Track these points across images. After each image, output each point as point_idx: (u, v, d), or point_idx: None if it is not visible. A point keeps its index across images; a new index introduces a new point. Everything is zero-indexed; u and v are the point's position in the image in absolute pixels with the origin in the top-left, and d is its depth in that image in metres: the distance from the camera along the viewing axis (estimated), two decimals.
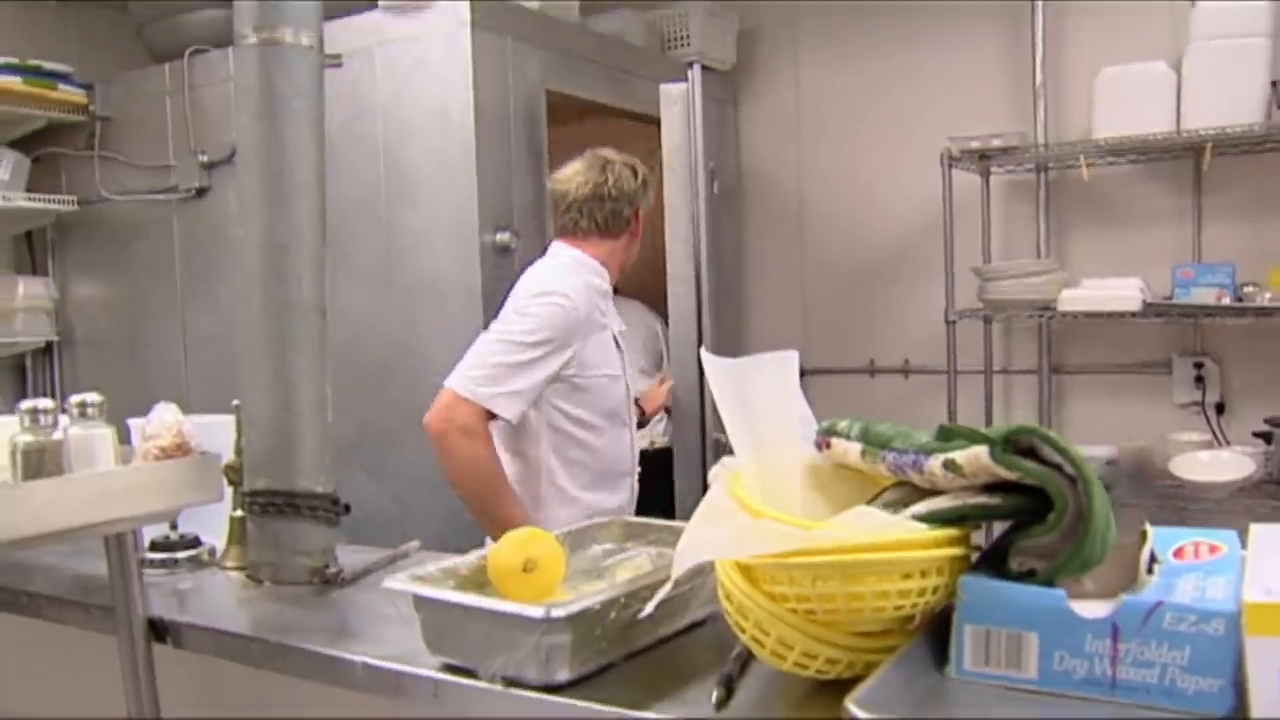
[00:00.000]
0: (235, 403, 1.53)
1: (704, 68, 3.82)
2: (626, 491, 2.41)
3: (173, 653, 1.35)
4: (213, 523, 1.59)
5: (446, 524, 2.72)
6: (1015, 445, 0.91)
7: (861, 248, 3.96)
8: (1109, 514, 0.92)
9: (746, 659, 1.07)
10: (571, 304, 2.22)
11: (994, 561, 0.97)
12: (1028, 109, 3.57)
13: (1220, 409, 3.40)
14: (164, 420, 1.30)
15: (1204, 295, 3.14)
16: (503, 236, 2.90)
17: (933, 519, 0.95)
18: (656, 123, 3.80)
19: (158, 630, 1.35)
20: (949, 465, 0.96)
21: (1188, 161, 3.34)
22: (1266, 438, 3.05)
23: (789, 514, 0.99)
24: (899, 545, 0.90)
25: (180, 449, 1.28)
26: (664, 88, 3.12)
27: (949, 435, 0.96)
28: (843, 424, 1.12)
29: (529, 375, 2.16)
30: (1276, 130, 3.03)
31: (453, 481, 2.18)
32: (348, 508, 1.51)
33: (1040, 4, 3.48)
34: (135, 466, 1.26)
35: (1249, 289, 3.12)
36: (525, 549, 1.14)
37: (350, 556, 1.55)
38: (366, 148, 3.04)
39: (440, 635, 1.10)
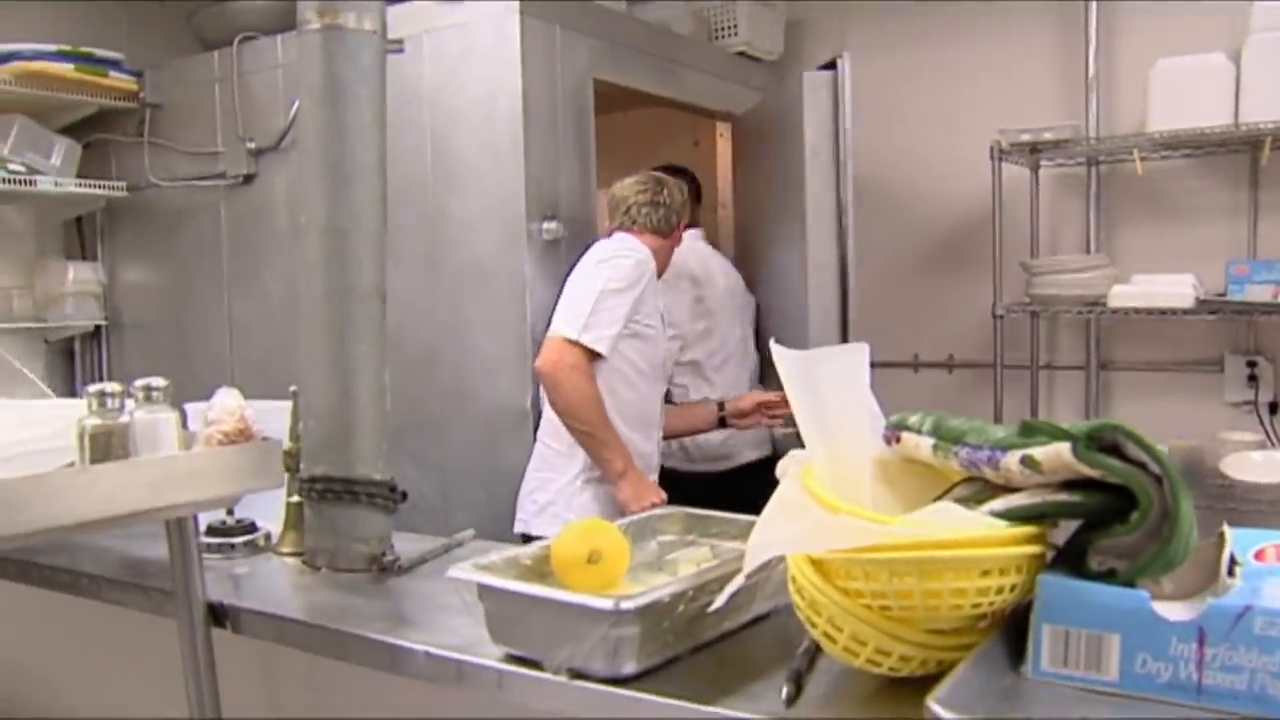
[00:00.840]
0: (293, 388, 1.52)
1: (749, 57, 3.82)
2: (654, 443, 2.75)
3: (231, 638, 1.35)
4: (269, 508, 1.59)
5: (488, 514, 2.72)
6: (1099, 442, 0.89)
7: (908, 240, 3.92)
8: (1193, 514, 0.90)
9: (814, 654, 1.05)
10: (645, 257, 2.64)
11: (1071, 560, 0.95)
12: (1079, 102, 3.52)
13: (1273, 409, 3.34)
14: (227, 405, 1.30)
15: (1259, 293, 3.08)
16: (550, 226, 2.89)
17: (1011, 516, 0.93)
18: (702, 112, 3.80)
19: (217, 615, 1.35)
20: (1027, 461, 0.94)
21: (1244, 156, 3.27)
22: None
23: (860, 507, 0.97)
24: (978, 542, 0.88)
25: (243, 434, 1.28)
26: (808, 75, 3.16)
27: (1030, 431, 0.94)
28: (914, 418, 1.10)
29: (616, 315, 2.53)
30: None
31: (561, 412, 2.53)
32: (404, 495, 1.50)
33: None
34: (199, 451, 1.26)
35: None
36: (589, 540, 1.13)
37: (404, 544, 1.54)
38: (414, 135, 3.03)
39: (505, 625, 1.10)
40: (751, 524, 1.28)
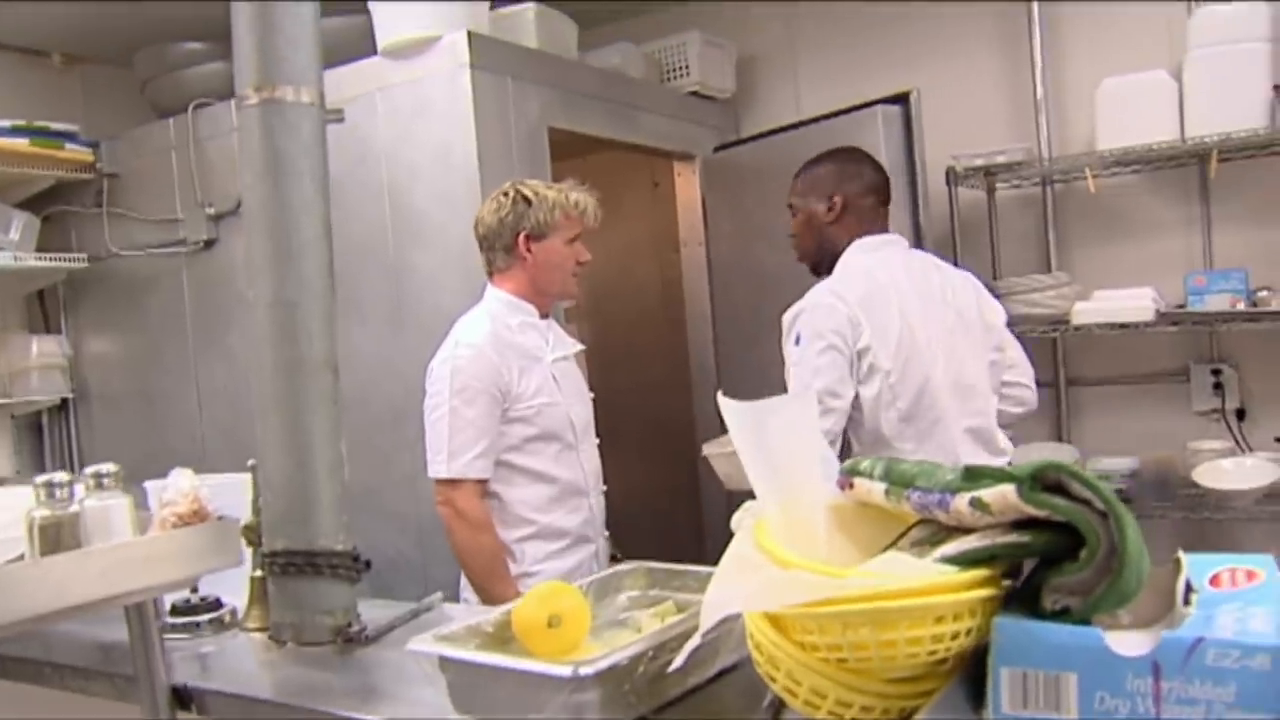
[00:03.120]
0: (251, 462, 1.52)
1: (702, 96, 3.87)
2: (586, 511, 2.48)
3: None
4: (233, 583, 1.58)
5: (454, 569, 2.70)
6: (1043, 482, 0.90)
7: None
8: (1142, 546, 0.90)
9: (779, 708, 1.05)
10: (473, 352, 2.34)
11: (1026, 600, 0.96)
12: (1029, 124, 3.57)
13: (1241, 415, 3.37)
14: (180, 487, 1.29)
15: (1218, 302, 3.13)
16: None
17: (963, 560, 0.93)
18: (660, 153, 3.84)
19: (182, 698, 1.33)
20: (976, 504, 0.94)
21: (1193, 169, 3.33)
22: None
23: (816, 558, 0.98)
24: (930, 590, 0.88)
25: (197, 515, 1.27)
26: (882, 109, 3.27)
27: (974, 475, 0.94)
28: (865, 463, 1.10)
29: (473, 429, 2.29)
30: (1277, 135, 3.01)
31: (459, 562, 2.37)
32: (368, 564, 1.49)
33: (1037, 19, 3.48)
34: (153, 536, 1.25)
35: (1263, 294, 3.10)
36: (549, 604, 1.13)
37: (372, 612, 1.53)
38: (371, 192, 3.05)
39: (468, 695, 1.09)
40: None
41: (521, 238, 2.42)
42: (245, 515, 1.53)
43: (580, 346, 2.63)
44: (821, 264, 2.48)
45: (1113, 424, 3.56)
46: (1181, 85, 3.14)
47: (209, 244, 3.42)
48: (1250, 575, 0.99)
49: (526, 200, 2.42)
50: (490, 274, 2.52)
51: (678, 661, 0.98)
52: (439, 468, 2.32)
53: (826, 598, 0.88)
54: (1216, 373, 3.39)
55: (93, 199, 3.65)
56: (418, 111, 2.98)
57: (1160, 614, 0.97)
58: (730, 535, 1.05)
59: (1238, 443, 3.31)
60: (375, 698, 1.27)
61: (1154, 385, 3.51)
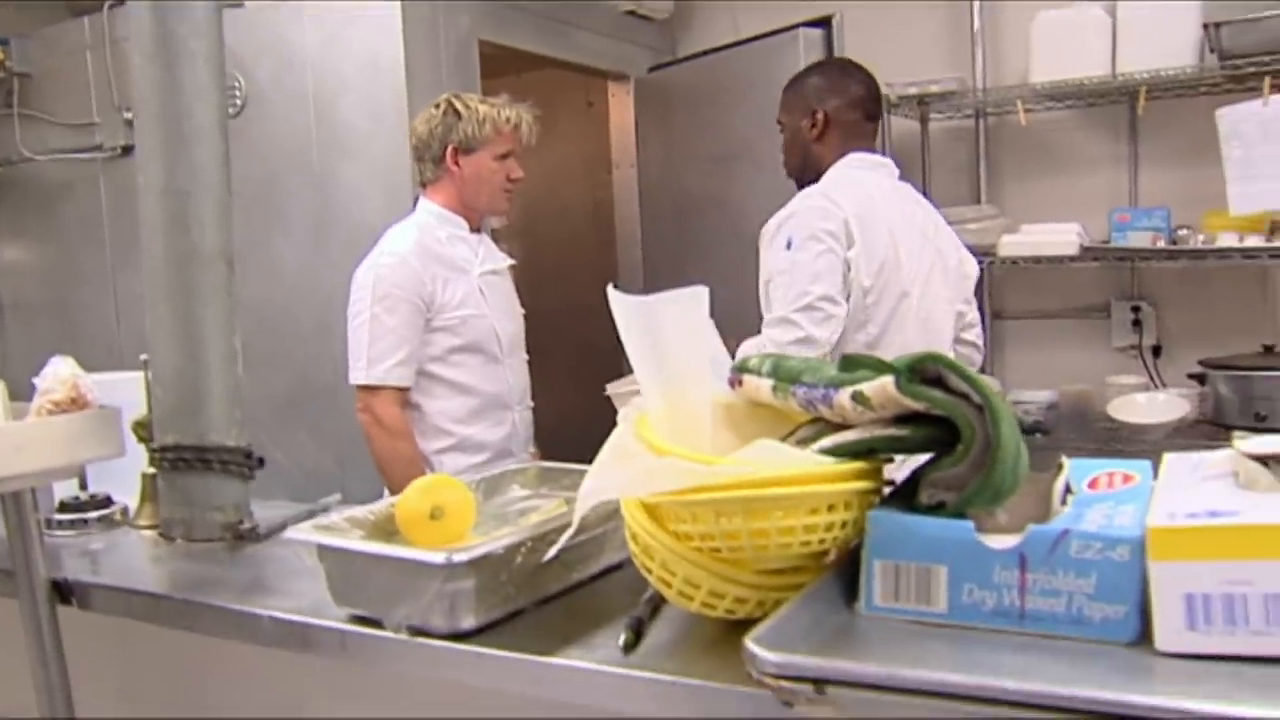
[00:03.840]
0: (143, 356, 1.48)
1: (639, 16, 3.80)
2: (509, 426, 2.47)
3: (84, 615, 1.31)
4: (126, 481, 1.54)
5: (375, 479, 2.68)
6: (921, 375, 0.89)
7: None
8: (1019, 443, 0.90)
9: (658, 603, 1.05)
10: (396, 260, 2.32)
11: (906, 496, 0.96)
12: (965, 56, 3.56)
13: (1156, 352, 3.44)
14: (58, 374, 1.25)
15: (1140, 239, 3.17)
16: None
17: (840, 452, 0.93)
18: (594, 73, 3.78)
19: (63, 592, 1.31)
20: (857, 397, 0.94)
21: (1123, 107, 3.35)
22: (1200, 379, 3.08)
23: (699, 453, 0.97)
24: (802, 479, 0.88)
25: (75, 403, 1.23)
26: (803, 33, 3.21)
27: (853, 366, 0.94)
28: (753, 360, 1.10)
29: (393, 336, 2.29)
30: (1209, 73, 3.03)
31: (378, 469, 2.36)
32: (261, 461, 1.46)
33: None
34: (27, 422, 1.21)
35: (1183, 232, 3.14)
36: (432, 496, 1.11)
37: (269, 512, 1.51)
38: (296, 100, 2.97)
39: (346, 586, 1.08)
40: None
41: (450, 150, 2.40)
42: (140, 411, 1.49)
43: (510, 261, 2.61)
44: (804, 183, 2.41)
45: (1036, 358, 3.61)
46: (1115, 21, 3.14)
47: (126, 150, 3.31)
48: (1127, 478, 1.01)
49: (457, 113, 2.40)
50: (422, 185, 2.51)
51: (551, 552, 0.97)
52: (358, 374, 2.31)
53: (699, 485, 0.87)
54: (1136, 309, 3.44)
55: (3, 99, 3.51)
56: (347, 20, 2.91)
57: (1039, 517, 0.98)
58: None
59: (1152, 378, 3.37)
60: (260, 591, 1.25)
61: (1076, 320, 3.56)
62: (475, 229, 2.51)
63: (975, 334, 2.55)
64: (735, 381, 1.11)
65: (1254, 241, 3.03)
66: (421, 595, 0.99)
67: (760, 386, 1.07)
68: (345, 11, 2.88)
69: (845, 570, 0.96)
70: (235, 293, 1.44)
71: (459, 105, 2.41)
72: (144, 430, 1.47)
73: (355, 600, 1.07)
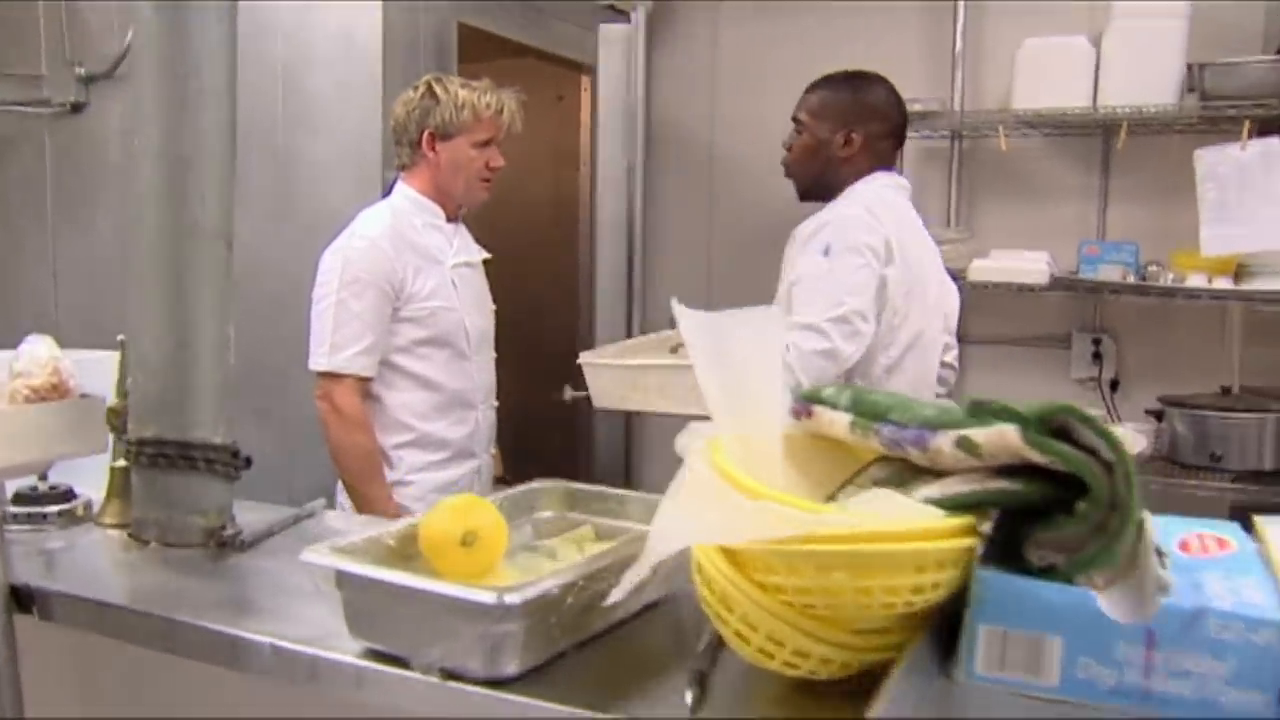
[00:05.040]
0: (120, 337, 1.33)
1: (616, 10, 3.69)
2: (471, 424, 2.39)
3: (40, 625, 1.16)
4: (89, 473, 1.39)
5: (334, 476, 2.56)
6: (1049, 426, 0.81)
7: (771, 206, 3.83)
8: (1144, 506, 0.83)
9: (716, 650, 0.95)
10: (367, 244, 2.23)
11: (1002, 554, 0.88)
12: (944, 76, 3.53)
13: (1114, 386, 3.44)
14: (36, 355, 1.11)
15: (1110, 272, 3.16)
16: None
17: (949, 505, 0.84)
18: (569, 64, 3.66)
19: (21, 599, 1.15)
20: (964, 444, 0.86)
21: (1097, 139, 3.34)
22: (1158, 416, 3.08)
23: (772, 489, 0.87)
24: (918, 535, 0.79)
25: (56, 390, 1.09)
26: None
27: (978, 411, 0.85)
28: (828, 391, 1.01)
29: (359, 323, 2.19)
30: (1189, 112, 3.04)
31: (333, 460, 2.26)
32: (249, 461, 1.33)
33: None
34: (1, 410, 1.07)
35: (1153, 268, 3.14)
36: (464, 519, 1.00)
37: (246, 515, 1.37)
38: (265, 70, 2.82)
39: (366, 617, 0.95)
40: (644, 502, 1.19)
41: (426, 135, 2.32)
42: (109, 398, 1.34)
43: (486, 255, 2.54)
44: (813, 193, 2.33)
45: (995, 384, 3.58)
46: (1099, 54, 3.13)
47: (77, 108, 3.12)
48: (1221, 543, 0.94)
49: (435, 96, 2.31)
50: (400, 169, 2.41)
51: (616, 594, 0.86)
52: (320, 359, 2.22)
53: (803, 534, 0.78)
54: (1097, 342, 3.44)
55: None
56: None
57: (1127, 575, 0.90)
58: (611, 457, 0.95)
59: (1109, 411, 3.38)
60: (252, 612, 1.12)
61: (1037, 349, 3.55)
62: (452, 218, 2.42)
63: (954, 355, 2.51)
64: (803, 412, 1.02)
65: (1222, 283, 3.04)
66: (461, 636, 0.88)
67: (835, 420, 0.98)
68: None
69: (936, 632, 0.87)
70: (232, 275, 1.31)
71: (438, 88, 2.32)
72: (116, 419, 1.32)
73: (377, 635, 0.95)
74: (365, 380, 2.25)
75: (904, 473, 0.96)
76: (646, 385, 2.44)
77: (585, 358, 2.54)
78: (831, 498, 0.97)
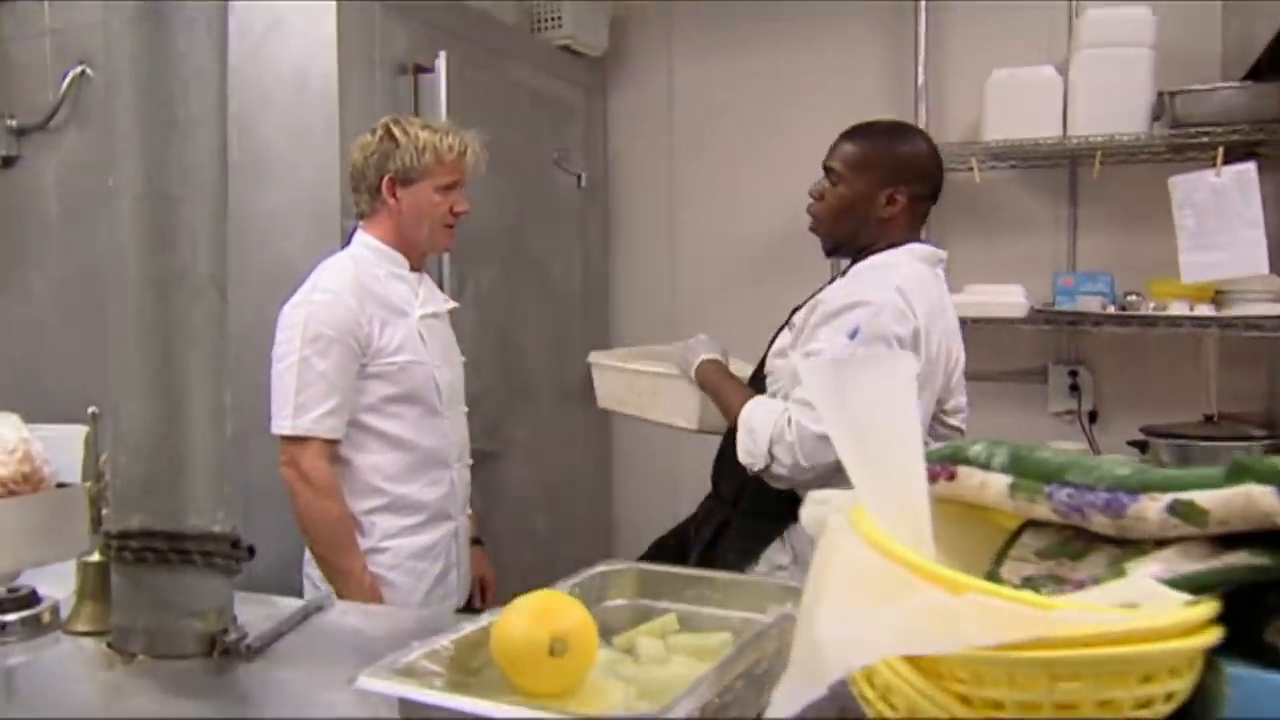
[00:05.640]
0: (92, 410, 1.12)
1: (573, 52, 3.58)
2: (447, 485, 2.23)
3: None
4: (50, 569, 1.16)
5: (296, 545, 2.35)
6: None
7: (735, 245, 3.79)
8: None
9: None
10: (331, 297, 2.09)
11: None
12: (908, 109, 3.45)
13: (1093, 418, 3.38)
14: (3, 440, 0.90)
15: (1088, 303, 3.10)
16: None
17: (1185, 587, 0.69)
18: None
19: None
20: (1181, 509, 0.71)
21: (1064, 170, 3.30)
22: (1142, 446, 3.01)
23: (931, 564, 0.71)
24: (1176, 631, 0.64)
25: (28, 481, 0.89)
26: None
27: (1241, 473, 0.70)
28: (975, 449, 0.85)
29: (324, 383, 2.05)
30: (1162, 139, 3.00)
31: (301, 530, 2.10)
32: (251, 551, 1.13)
33: (923, 4, 3.37)
34: None
35: (1132, 298, 3.09)
36: (549, 622, 0.82)
37: (241, 610, 1.17)
38: None
39: None
40: (731, 584, 1.02)
41: (386, 181, 2.17)
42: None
43: (453, 304, 2.38)
44: (840, 250, 2.14)
45: (973, 420, 3.46)
46: (1067, 83, 3.09)
47: (8, 162, 2.91)
48: None
49: (394, 139, 2.16)
50: (359, 217, 2.26)
51: (785, 711, 0.68)
52: (283, 423, 2.06)
53: (1036, 638, 0.62)
54: (1073, 374, 3.39)
55: None
56: (272, 29, 2.59)
57: None
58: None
59: (1090, 444, 3.31)
60: None
61: (1012, 384, 3.48)
62: (415, 267, 2.26)
63: (962, 418, 2.26)
64: (944, 474, 0.86)
65: (1203, 310, 2.99)
66: None
67: (988, 483, 0.83)
68: (273, 17, 2.58)
69: None
70: (229, 331, 1.11)
71: (396, 131, 2.17)
72: (90, 507, 1.11)
73: None
74: (333, 443, 2.08)
75: (1073, 543, 0.81)
76: (640, 390, 2.35)
77: (594, 357, 2.48)
78: (992, 576, 0.82)
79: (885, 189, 2.03)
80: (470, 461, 2.34)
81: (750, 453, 1.96)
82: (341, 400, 2.06)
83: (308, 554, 2.15)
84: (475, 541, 2.41)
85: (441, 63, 2.75)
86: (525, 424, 3.28)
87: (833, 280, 2.17)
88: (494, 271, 3.11)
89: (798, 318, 2.10)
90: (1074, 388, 3.39)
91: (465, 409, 2.35)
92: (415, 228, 2.20)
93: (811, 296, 2.13)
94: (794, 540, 2.05)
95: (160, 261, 1.04)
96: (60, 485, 0.93)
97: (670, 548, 2.29)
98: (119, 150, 1.04)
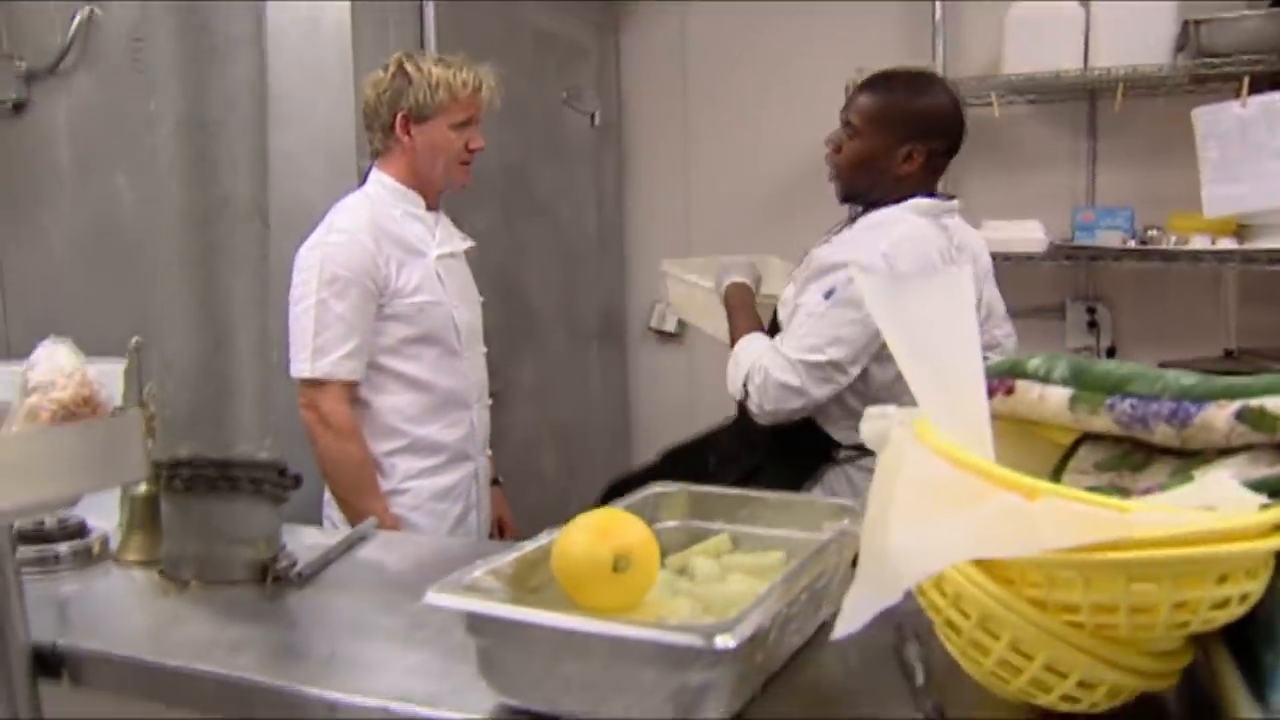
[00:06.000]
0: (135, 340, 1.11)
1: None
2: (467, 426, 2.22)
3: (71, 693, 0.95)
4: (99, 500, 1.16)
5: (315, 486, 2.36)
6: None
7: (750, 184, 3.75)
8: None
9: (928, 673, 0.79)
10: (346, 238, 2.06)
11: None
12: (925, 45, 3.41)
13: (1111, 353, 3.36)
14: (59, 364, 0.89)
15: (1108, 238, 3.07)
16: None
17: (1261, 491, 0.68)
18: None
19: (47, 662, 0.94)
20: (1250, 415, 0.70)
21: (1084, 104, 3.26)
22: None
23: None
24: (1254, 532, 0.63)
25: (88, 404, 0.88)
26: None
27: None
28: (1035, 363, 0.85)
29: (342, 324, 2.02)
30: (1185, 70, 2.96)
31: (322, 473, 2.08)
32: (298, 479, 1.13)
33: None
34: (22, 433, 0.85)
35: (1152, 233, 3.06)
36: (611, 539, 0.82)
37: (289, 541, 1.17)
38: None
39: (515, 670, 0.76)
40: (782, 503, 1.02)
41: (399, 118, 2.13)
42: None
43: (470, 243, 2.34)
44: (858, 199, 2.10)
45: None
46: (1089, 15, 3.04)
47: (18, 107, 2.85)
48: None
49: (407, 76, 2.12)
50: (374, 155, 2.22)
51: (848, 627, 0.68)
52: (302, 366, 2.03)
53: (1113, 540, 0.62)
54: (1091, 310, 3.36)
55: None
56: None
57: None
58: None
59: None
60: (338, 665, 0.90)
61: (1031, 320, 3.45)
62: (432, 206, 2.23)
63: (1000, 353, 2.22)
64: (1001, 389, 0.86)
65: (1225, 244, 2.96)
66: (653, 689, 0.70)
67: (1048, 396, 0.83)
68: None
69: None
70: (269, 260, 1.11)
71: (410, 67, 2.13)
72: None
73: (529, 692, 0.76)
74: (352, 385, 2.07)
75: (1133, 455, 0.81)
76: (697, 302, 2.36)
77: (665, 265, 2.46)
78: None
79: (904, 145, 1.98)
80: (489, 402, 2.33)
81: (732, 382, 2.00)
82: (360, 342, 2.04)
83: (327, 494, 2.15)
84: (494, 482, 2.41)
85: (430, 5, 2.71)
86: (529, 365, 3.27)
87: (839, 229, 2.15)
88: (491, 213, 3.08)
89: (797, 271, 2.09)
90: (1092, 324, 3.37)
91: (484, 349, 2.33)
92: (430, 166, 2.17)
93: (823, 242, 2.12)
94: (833, 484, 2.06)
95: (204, 187, 1.03)
96: (117, 409, 0.92)
97: (685, 463, 2.28)
98: (157, 78, 1.03)
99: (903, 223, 1.98)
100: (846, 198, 2.14)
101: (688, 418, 3.70)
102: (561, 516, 0.86)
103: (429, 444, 2.16)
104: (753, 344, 2.01)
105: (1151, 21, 2.98)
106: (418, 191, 2.19)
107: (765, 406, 1.91)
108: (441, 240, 2.22)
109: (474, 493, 2.26)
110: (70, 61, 2.80)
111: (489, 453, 2.35)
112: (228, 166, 1.03)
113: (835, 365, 1.89)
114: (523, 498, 2.97)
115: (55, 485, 0.81)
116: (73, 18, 2.76)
